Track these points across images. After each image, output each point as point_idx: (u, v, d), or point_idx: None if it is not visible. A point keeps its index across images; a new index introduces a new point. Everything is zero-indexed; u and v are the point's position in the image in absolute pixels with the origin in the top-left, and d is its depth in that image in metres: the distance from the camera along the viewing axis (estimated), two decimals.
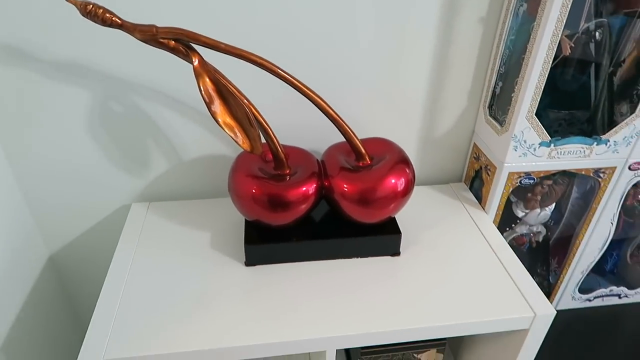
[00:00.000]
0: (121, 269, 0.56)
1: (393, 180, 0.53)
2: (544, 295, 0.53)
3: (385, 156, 0.55)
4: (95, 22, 0.43)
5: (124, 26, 0.44)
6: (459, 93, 0.65)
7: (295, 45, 0.58)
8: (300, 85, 0.48)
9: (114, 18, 0.43)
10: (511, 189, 0.64)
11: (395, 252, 0.58)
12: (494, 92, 0.63)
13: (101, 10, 0.42)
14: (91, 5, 0.42)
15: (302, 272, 0.55)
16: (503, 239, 0.61)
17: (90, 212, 0.68)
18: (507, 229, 0.71)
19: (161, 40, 0.44)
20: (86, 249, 0.71)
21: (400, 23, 0.58)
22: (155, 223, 0.63)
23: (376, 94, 0.63)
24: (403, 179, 0.53)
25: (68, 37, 0.54)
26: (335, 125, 0.52)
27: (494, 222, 0.66)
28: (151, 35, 0.44)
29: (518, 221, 0.70)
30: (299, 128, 0.61)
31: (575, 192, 0.70)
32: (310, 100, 0.49)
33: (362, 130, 0.64)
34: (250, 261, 0.56)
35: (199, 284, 0.53)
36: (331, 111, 0.51)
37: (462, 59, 0.62)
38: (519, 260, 0.58)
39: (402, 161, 0.54)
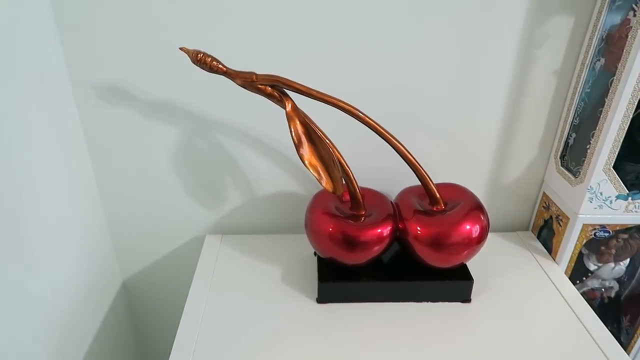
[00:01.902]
0: (198, 303, 0.57)
1: (468, 227, 0.54)
2: (626, 355, 0.51)
3: (460, 202, 0.56)
4: (204, 69, 0.47)
5: (227, 73, 0.48)
6: (530, 142, 0.66)
7: (372, 87, 0.61)
8: (383, 132, 0.51)
9: (219, 65, 0.47)
10: (585, 241, 0.63)
11: (466, 299, 0.57)
12: (566, 143, 0.63)
13: (209, 59, 0.47)
14: (201, 54, 0.47)
15: (373, 313, 0.56)
16: (577, 292, 0.60)
17: (165, 240, 0.72)
18: (578, 282, 0.69)
19: (259, 86, 0.48)
20: (158, 275, 0.75)
21: (476, 71, 0.60)
22: (229, 255, 0.65)
23: (448, 138, 0.65)
24: (478, 226, 0.54)
25: (165, 80, 0.59)
26: (413, 170, 0.54)
27: (565, 274, 0.65)
28: (250, 82, 0.48)
29: (589, 274, 0.68)
30: (373, 170, 0.63)
31: None
32: (392, 146, 0.52)
33: (432, 172, 0.66)
34: (322, 298, 0.57)
35: (272, 321, 0.55)
36: (410, 156, 0.53)
37: (535, 109, 0.63)
38: (595, 315, 0.56)
39: (477, 208, 0.55)
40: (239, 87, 0.49)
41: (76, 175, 0.61)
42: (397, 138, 0.52)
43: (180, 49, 0.47)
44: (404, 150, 0.52)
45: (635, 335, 0.72)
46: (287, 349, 0.51)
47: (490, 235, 0.70)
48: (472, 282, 0.57)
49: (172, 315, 0.76)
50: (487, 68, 0.60)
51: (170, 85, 0.59)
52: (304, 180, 0.67)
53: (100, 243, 0.68)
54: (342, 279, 0.57)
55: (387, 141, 0.51)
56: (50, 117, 0.55)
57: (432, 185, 0.55)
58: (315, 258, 0.64)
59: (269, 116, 0.61)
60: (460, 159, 0.67)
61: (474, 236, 0.54)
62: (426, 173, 0.54)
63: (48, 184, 0.54)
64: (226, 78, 0.48)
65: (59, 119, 0.57)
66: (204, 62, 0.47)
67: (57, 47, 0.55)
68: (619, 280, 0.69)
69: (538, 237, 0.70)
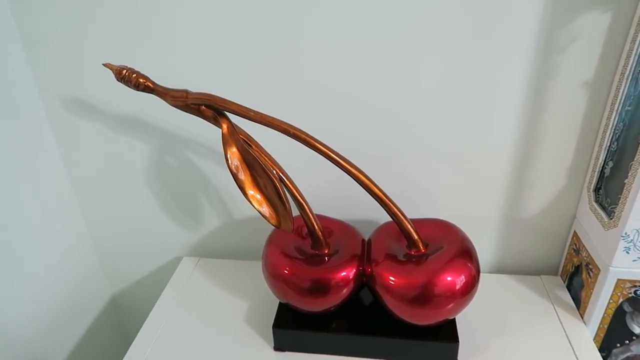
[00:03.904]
0: (153, 328, 0.54)
1: (449, 278, 0.43)
2: None
3: (443, 245, 0.45)
4: (129, 86, 0.42)
5: (155, 91, 0.42)
6: (555, 169, 0.53)
7: (361, 106, 0.52)
8: (337, 158, 0.42)
9: (146, 82, 0.42)
10: (622, 300, 0.49)
11: None
12: (602, 172, 0.50)
13: (134, 75, 0.41)
14: (126, 71, 0.41)
15: None
16: None
17: (148, 259, 0.69)
18: (619, 345, 0.55)
19: (192, 105, 0.42)
20: (144, 293, 0.72)
21: (484, 82, 0.49)
22: (199, 282, 0.60)
23: (450, 163, 0.54)
24: (463, 276, 0.43)
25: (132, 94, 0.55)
26: (382, 206, 0.44)
27: (595, 339, 0.51)
28: (182, 101, 0.42)
29: (634, 338, 0.54)
30: (355, 196, 0.54)
31: None
32: (351, 176, 0.43)
33: (431, 204, 0.56)
34: (278, 346, 0.50)
35: None
36: (375, 189, 0.43)
37: (560, 129, 0.50)
38: None
39: (463, 253, 0.45)
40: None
41: (56, 191, 0.60)
42: (356, 166, 0.43)
43: (104, 65, 0.42)
44: (366, 181, 0.43)
45: None
46: None
47: (505, 277, 0.59)
48: (457, 345, 0.46)
49: None
50: (497, 78, 0.49)
51: (138, 99, 0.55)
52: None
53: (85, 259, 0.67)
54: (302, 326, 0.49)
55: (344, 171, 0.42)
56: (24, 138, 0.54)
57: (407, 224, 0.45)
58: None
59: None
60: (466, 186, 0.55)
61: (457, 288, 0.43)
62: (398, 209, 0.44)
63: (27, 200, 0.54)
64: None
65: (32, 140, 0.56)
66: (128, 79, 0.41)
67: (23, 63, 0.53)
68: None
69: (568, 286, 0.57)
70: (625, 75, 0.45)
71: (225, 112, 0.42)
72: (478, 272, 0.45)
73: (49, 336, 0.59)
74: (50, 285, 0.59)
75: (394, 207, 0.44)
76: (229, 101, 0.41)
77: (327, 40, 0.49)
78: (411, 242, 0.46)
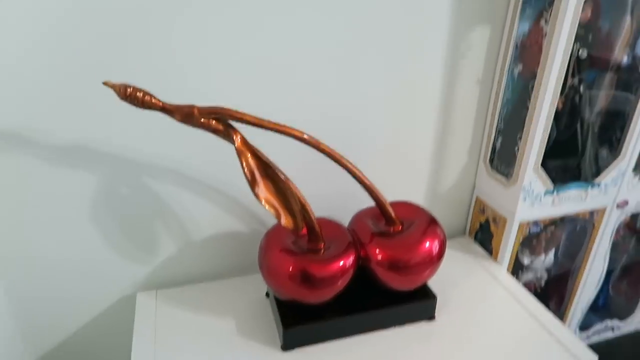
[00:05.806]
0: None
1: (428, 244, 0.53)
2: (584, 345, 0.54)
3: (414, 220, 0.55)
4: (135, 105, 0.40)
5: (164, 108, 0.41)
6: (459, 150, 0.68)
7: (307, 112, 0.58)
8: (339, 158, 0.48)
9: (153, 100, 0.40)
10: (522, 238, 0.66)
11: (431, 316, 0.56)
12: (494, 147, 0.66)
13: (141, 94, 0.40)
14: (130, 89, 0.39)
15: (342, 351, 0.52)
16: (526, 290, 0.62)
17: (85, 306, 0.61)
18: (515, 277, 0.73)
19: (202, 120, 0.42)
20: (81, 350, 0.63)
21: (408, 88, 0.61)
22: (170, 313, 0.57)
23: (384, 155, 0.64)
24: (437, 242, 0.54)
25: (69, 121, 0.50)
26: (369, 192, 0.51)
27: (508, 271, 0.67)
28: (192, 116, 0.42)
29: (524, 269, 0.72)
30: (319, 198, 0.60)
31: (563, 234, 0.74)
32: (348, 171, 0.49)
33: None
34: (289, 345, 0.52)
35: None
36: (365, 180, 0.50)
37: (462, 118, 0.65)
38: (547, 310, 0.59)
39: (432, 224, 0.55)
40: (170, 121, 0.42)
41: None
42: (351, 162, 0.49)
43: (104, 83, 0.39)
44: (359, 174, 0.50)
45: (566, 316, 0.78)
46: None
47: None
48: (436, 300, 0.56)
49: None
50: (417, 83, 0.61)
51: (79, 123, 0.50)
52: (244, 216, 0.61)
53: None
54: (306, 320, 0.52)
55: (342, 166, 0.48)
56: None
57: (387, 205, 0.53)
58: (268, 300, 0.59)
59: (200, 149, 0.55)
60: (397, 173, 0.66)
61: (435, 253, 0.53)
62: (381, 195, 0.52)
63: None
64: (162, 114, 0.42)
65: None
66: (134, 97, 0.39)
67: None
68: (547, 270, 0.75)
69: (475, 241, 0.73)
70: (504, 72, 0.62)
71: (235, 125, 0.43)
72: (445, 237, 0.55)
73: None
74: None
75: (378, 193, 0.52)
76: (243, 112, 0.42)
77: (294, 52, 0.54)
78: (390, 221, 0.54)
